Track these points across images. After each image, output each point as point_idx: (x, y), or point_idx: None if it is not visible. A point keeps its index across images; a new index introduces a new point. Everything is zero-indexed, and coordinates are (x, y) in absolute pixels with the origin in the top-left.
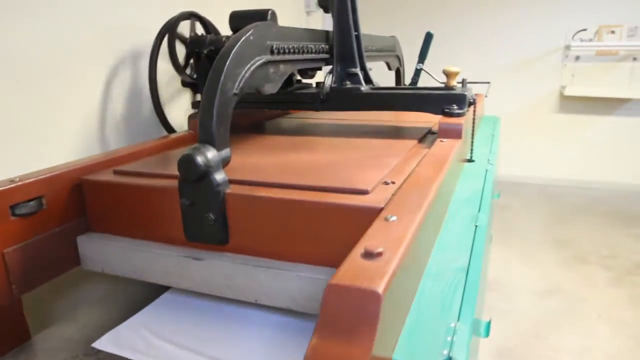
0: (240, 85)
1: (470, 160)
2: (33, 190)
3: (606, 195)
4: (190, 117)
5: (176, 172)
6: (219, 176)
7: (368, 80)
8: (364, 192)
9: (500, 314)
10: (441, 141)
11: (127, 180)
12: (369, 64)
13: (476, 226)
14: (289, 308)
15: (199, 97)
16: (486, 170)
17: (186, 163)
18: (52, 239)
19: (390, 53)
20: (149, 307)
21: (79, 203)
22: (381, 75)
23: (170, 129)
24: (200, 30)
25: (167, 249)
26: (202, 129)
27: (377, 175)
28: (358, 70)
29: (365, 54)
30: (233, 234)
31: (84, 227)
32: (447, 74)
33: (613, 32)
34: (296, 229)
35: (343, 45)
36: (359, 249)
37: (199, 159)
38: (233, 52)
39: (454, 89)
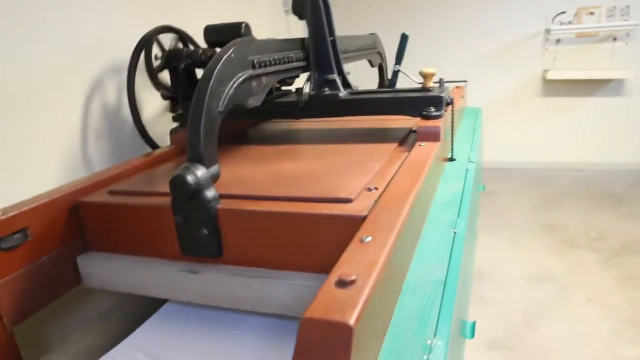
0: (225, 103)
1: (451, 160)
2: (17, 223)
3: (593, 176)
4: (172, 132)
5: (169, 190)
6: (210, 193)
7: (347, 84)
8: (348, 201)
9: (491, 304)
10: (420, 145)
11: (122, 201)
12: (350, 65)
13: (455, 233)
14: (284, 314)
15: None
16: (467, 170)
17: (178, 183)
18: (47, 265)
19: (372, 51)
20: (145, 325)
21: (73, 226)
22: (365, 70)
23: (153, 144)
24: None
25: (165, 264)
26: (191, 148)
27: (361, 182)
28: (336, 77)
29: (346, 55)
30: (227, 246)
31: (81, 248)
32: (424, 76)
33: (592, 13)
34: (286, 239)
35: (319, 52)
36: (333, 277)
37: (190, 179)
38: (216, 72)
39: (431, 91)
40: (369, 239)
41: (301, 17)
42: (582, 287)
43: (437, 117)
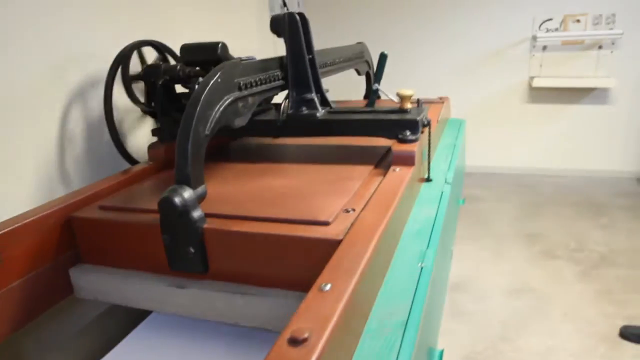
0: (212, 126)
1: (427, 180)
2: None
3: (576, 183)
4: (150, 147)
5: (157, 207)
6: (196, 213)
7: (325, 102)
8: (325, 224)
9: (469, 316)
10: (394, 170)
11: (113, 217)
12: (336, 76)
13: (422, 267)
14: (265, 328)
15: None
16: (442, 193)
17: (165, 204)
18: (41, 276)
19: (359, 60)
20: (132, 334)
21: (65, 238)
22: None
23: (131, 159)
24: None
25: (153, 278)
26: (178, 170)
27: (339, 203)
28: (314, 95)
29: (332, 67)
30: (212, 263)
31: (74, 259)
32: (401, 97)
33: (578, 20)
34: (268, 258)
35: (297, 71)
36: (286, 334)
37: (177, 200)
38: (202, 97)
39: (408, 112)
40: (328, 286)
41: (279, 35)
42: (559, 300)
43: (412, 141)
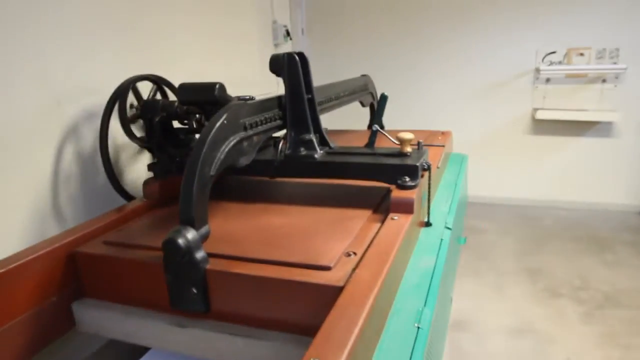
0: (217, 166)
1: (427, 224)
2: None
3: (579, 216)
4: (145, 184)
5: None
6: (199, 254)
7: (324, 142)
8: (327, 268)
9: (470, 358)
10: (392, 218)
11: (116, 253)
12: (341, 109)
13: (418, 328)
14: None
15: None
16: (441, 240)
17: (169, 245)
18: (44, 312)
19: (364, 92)
20: None
21: (68, 273)
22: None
23: (126, 195)
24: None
25: (154, 315)
26: (183, 211)
27: (340, 246)
28: (312, 136)
29: (336, 102)
30: (214, 303)
31: (76, 293)
32: (401, 141)
33: (582, 54)
34: (268, 300)
35: (296, 111)
36: None
37: (181, 242)
38: (209, 139)
39: (408, 156)
40: None
41: (278, 75)
42: (562, 342)
43: (411, 187)
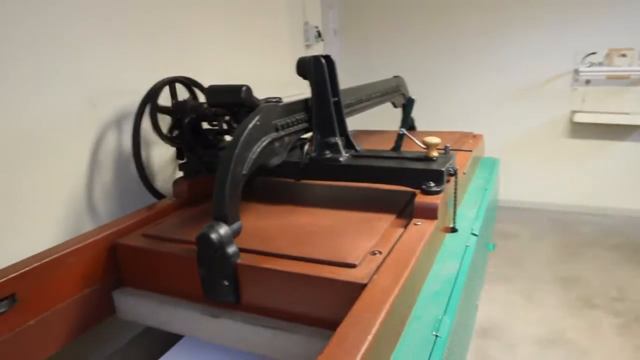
0: (249, 165)
1: (453, 230)
2: (4, 290)
3: (618, 223)
4: (175, 183)
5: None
6: (231, 249)
7: (350, 145)
8: (352, 266)
9: None
10: (415, 224)
11: (154, 246)
12: (375, 110)
13: (436, 336)
14: None
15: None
16: (466, 247)
17: (203, 240)
18: (87, 297)
19: (396, 93)
20: (164, 357)
21: (110, 262)
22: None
23: (157, 193)
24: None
25: (188, 305)
26: (216, 207)
27: (365, 246)
28: (337, 139)
29: (367, 103)
30: (244, 296)
31: (117, 282)
32: (428, 145)
33: (624, 55)
34: (296, 294)
35: (321, 114)
36: None
37: (214, 237)
38: (241, 139)
39: (434, 161)
40: None
41: (305, 77)
42: (595, 354)
43: (436, 193)
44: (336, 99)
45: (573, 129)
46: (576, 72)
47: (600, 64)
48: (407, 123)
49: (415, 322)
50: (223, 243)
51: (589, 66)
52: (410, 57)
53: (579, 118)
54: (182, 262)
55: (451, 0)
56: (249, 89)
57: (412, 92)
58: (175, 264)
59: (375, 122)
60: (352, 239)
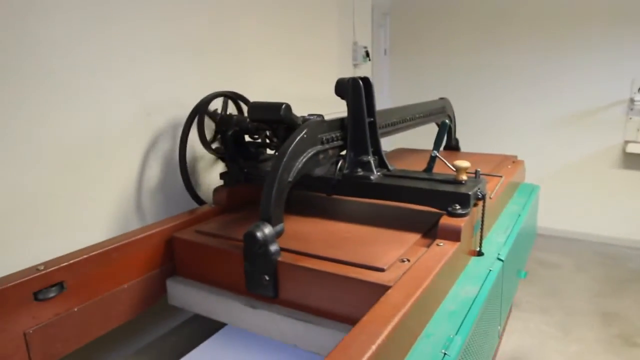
0: (295, 173)
1: (479, 254)
2: (55, 277)
3: None
4: (215, 191)
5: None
6: (273, 247)
7: (383, 164)
8: (380, 270)
9: None
10: (438, 245)
11: (206, 240)
12: (422, 128)
13: (444, 354)
14: (319, 353)
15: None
16: (489, 272)
17: (249, 237)
18: (144, 282)
19: (441, 114)
20: (205, 343)
21: (167, 253)
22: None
23: (198, 199)
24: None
25: (232, 296)
26: (263, 210)
27: (395, 254)
28: (370, 158)
29: (411, 122)
30: (282, 291)
31: (171, 271)
32: (457, 169)
33: None
34: (328, 292)
35: (356, 133)
36: None
37: (259, 235)
38: (289, 150)
39: (463, 184)
40: None
41: (343, 97)
42: None
43: (461, 215)
44: (371, 119)
45: (625, 160)
46: (632, 101)
47: None
48: (439, 146)
49: (426, 339)
50: (267, 241)
51: None
52: (461, 78)
53: (633, 149)
54: (230, 256)
55: (504, 23)
56: (288, 107)
57: (462, 114)
58: (223, 257)
59: (423, 140)
60: (381, 248)
